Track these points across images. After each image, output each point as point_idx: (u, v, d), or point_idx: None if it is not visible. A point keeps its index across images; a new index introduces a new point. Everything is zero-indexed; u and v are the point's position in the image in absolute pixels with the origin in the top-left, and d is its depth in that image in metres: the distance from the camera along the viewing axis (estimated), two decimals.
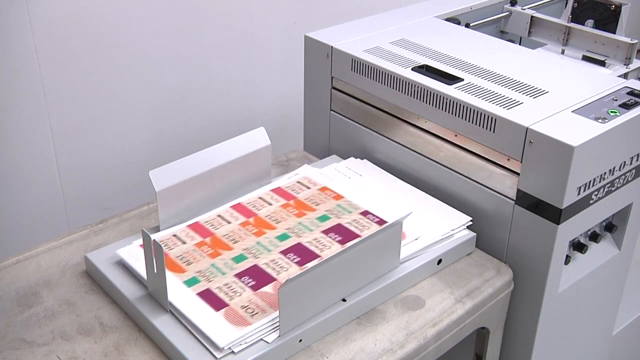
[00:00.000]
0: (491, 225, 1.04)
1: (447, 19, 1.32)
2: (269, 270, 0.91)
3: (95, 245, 1.01)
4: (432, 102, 1.06)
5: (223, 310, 0.85)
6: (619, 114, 0.98)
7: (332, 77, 1.21)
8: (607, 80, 1.08)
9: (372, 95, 1.15)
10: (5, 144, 1.29)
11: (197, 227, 0.99)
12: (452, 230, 1.00)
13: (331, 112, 1.24)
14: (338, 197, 1.06)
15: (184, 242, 0.96)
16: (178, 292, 0.87)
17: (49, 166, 1.36)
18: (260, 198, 1.06)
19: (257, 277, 0.90)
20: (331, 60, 1.19)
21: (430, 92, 1.06)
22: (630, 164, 1.03)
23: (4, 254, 0.99)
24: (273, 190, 1.08)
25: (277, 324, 0.82)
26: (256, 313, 0.84)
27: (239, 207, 1.04)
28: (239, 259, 0.93)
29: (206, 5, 1.45)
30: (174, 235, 0.98)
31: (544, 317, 1.03)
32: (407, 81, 1.09)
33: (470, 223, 1.02)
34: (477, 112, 1.01)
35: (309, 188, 1.08)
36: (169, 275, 0.90)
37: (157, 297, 0.87)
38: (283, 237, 0.97)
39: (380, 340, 0.87)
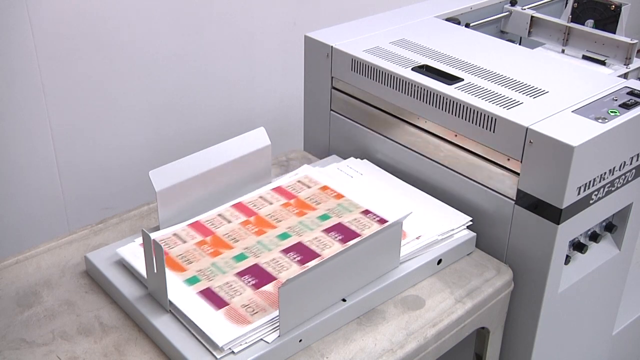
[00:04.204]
0: (491, 225, 1.04)
1: (447, 19, 1.32)
2: (269, 270, 0.91)
3: (95, 245, 1.01)
4: (432, 102, 1.06)
5: (224, 309, 0.85)
6: (619, 114, 0.98)
7: (332, 77, 1.21)
8: (607, 80, 1.08)
9: (372, 95, 1.15)
10: (5, 144, 1.29)
11: (197, 226, 0.99)
12: (452, 230, 1.00)
13: (331, 112, 1.24)
14: (339, 196, 1.06)
15: (184, 241, 0.97)
16: (178, 291, 0.87)
17: (49, 166, 1.36)
18: (260, 197, 1.06)
19: (258, 276, 0.90)
20: (331, 60, 1.19)
21: (430, 92, 1.06)
22: (630, 164, 1.03)
23: (4, 254, 0.99)
24: (274, 190, 1.08)
25: (277, 324, 0.82)
26: (257, 312, 0.84)
27: (239, 206, 1.04)
28: (239, 258, 0.93)
29: (206, 5, 1.45)
30: (175, 235, 0.98)
31: (544, 317, 1.03)
32: (407, 81, 1.09)
33: (470, 223, 1.02)
34: (477, 112, 1.01)
35: (309, 187, 1.08)
36: (170, 274, 0.90)
37: (157, 297, 0.87)
38: (284, 236, 0.97)
39: (380, 340, 0.87)
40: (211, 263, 0.92)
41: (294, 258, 0.93)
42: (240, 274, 0.90)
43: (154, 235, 0.97)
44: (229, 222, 1.01)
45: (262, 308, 0.85)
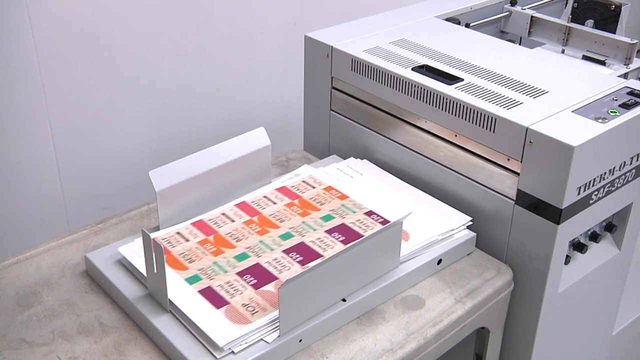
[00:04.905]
0: (491, 225, 1.04)
1: (447, 19, 1.32)
2: (270, 269, 0.91)
3: (95, 245, 1.01)
4: (432, 102, 1.06)
5: (224, 308, 0.85)
6: (619, 114, 0.98)
7: (332, 77, 1.21)
8: (607, 80, 1.08)
9: (372, 95, 1.15)
10: (5, 144, 1.29)
11: (200, 225, 1.00)
12: (452, 230, 1.00)
13: (331, 112, 1.24)
14: (343, 196, 1.06)
15: (187, 240, 0.97)
16: (179, 290, 0.87)
17: (49, 166, 1.36)
18: (265, 197, 1.06)
19: (259, 275, 0.90)
20: (331, 60, 1.19)
21: (430, 92, 1.06)
22: (630, 164, 1.03)
23: (4, 254, 0.99)
24: (278, 189, 1.08)
25: (277, 324, 0.82)
26: (257, 311, 0.84)
27: (243, 206, 1.04)
28: (241, 257, 0.94)
29: (206, 5, 1.45)
30: (178, 233, 0.98)
31: (544, 317, 1.03)
32: (407, 81, 1.09)
33: (470, 223, 1.02)
34: (477, 112, 1.01)
35: (314, 187, 1.08)
36: (171, 272, 0.90)
37: (157, 297, 0.87)
38: (286, 236, 0.97)
39: (380, 340, 0.87)
40: (213, 262, 0.93)
41: (296, 258, 0.93)
42: (242, 274, 0.90)
43: (155, 234, 0.97)
44: (232, 221, 1.01)
45: (262, 308, 0.85)
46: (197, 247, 0.95)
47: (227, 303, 0.86)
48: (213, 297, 0.87)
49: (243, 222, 1.00)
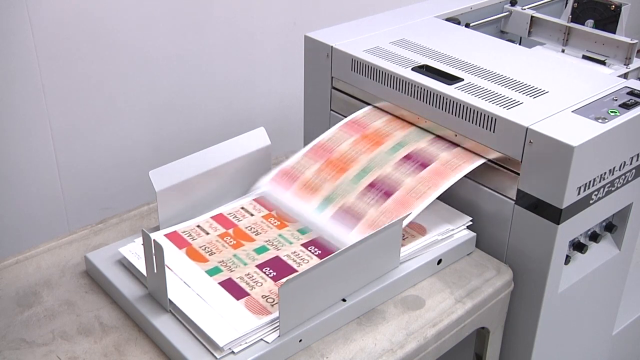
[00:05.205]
0: (491, 225, 1.04)
1: (447, 19, 1.32)
2: (290, 262, 0.92)
3: (95, 245, 1.01)
4: (432, 102, 1.06)
5: (244, 299, 0.86)
6: (619, 114, 0.98)
7: (332, 77, 1.21)
8: (607, 80, 1.08)
9: (372, 95, 1.15)
10: (5, 144, 1.29)
11: (220, 219, 1.01)
12: (452, 230, 1.00)
13: (331, 112, 1.24)
14: None
15: (207, 233, 0.98)
16: (199, 281, 0.89)
17: (49, 166, 1.36)
18: None
19: (278, 268, 0.91)
20: (331, 60, 1.19)
21: (430, 92, 1.06)
22: (630, 164, 1.03)
23: (4, 254, 0.99)
24: None
25: (277, 323, 0.82)
26: (276, 303, 0.85)
27: (261, 201, 1.05)
28: (260, 250, 0.95)
29: (206, 5, 1.45)
30: (198, 226, 0.99)
31: (544, 317, 1.03)
32: (407, 81, 1.09)
33: (470, 223, 1.02)
34: (477, 112, 1.01)
35: None
36: (192, 264, 0.92)
37: (157, 297, 0.87)
38: (304, 231, 0.98)
39: (380, 340, 0.87)
40: (233, 254, 0.94)
41: (314, 252, 0.94)
42: (261, 266, 0.92)
43: (176, 227, 0.99)
44: (251, 215, 1.02)
45: None
46: (217, 240, 0.97)
47: (247, 294, 0.87)
48: (233, 289, 0.88)
49: (262, 216, 1.02)
